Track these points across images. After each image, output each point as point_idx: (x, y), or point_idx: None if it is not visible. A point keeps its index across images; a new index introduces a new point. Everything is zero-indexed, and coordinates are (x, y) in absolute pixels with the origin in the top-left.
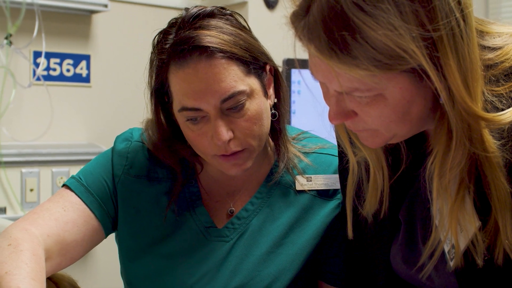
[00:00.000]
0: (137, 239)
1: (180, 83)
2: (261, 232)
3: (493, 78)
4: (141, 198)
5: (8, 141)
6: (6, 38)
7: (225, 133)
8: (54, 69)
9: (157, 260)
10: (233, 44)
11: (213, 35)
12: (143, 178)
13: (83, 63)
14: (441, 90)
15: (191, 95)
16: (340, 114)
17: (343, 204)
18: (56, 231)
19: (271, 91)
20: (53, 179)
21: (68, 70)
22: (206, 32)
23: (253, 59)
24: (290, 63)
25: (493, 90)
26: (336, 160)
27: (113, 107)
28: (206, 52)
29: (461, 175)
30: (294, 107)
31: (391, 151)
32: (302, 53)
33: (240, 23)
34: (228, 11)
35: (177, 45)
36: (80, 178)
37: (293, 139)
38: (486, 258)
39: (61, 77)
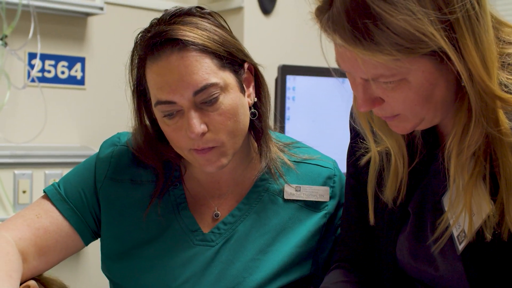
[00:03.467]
0: (121, 241)
1: (154, 77)
2: (247, 238)
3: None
4: (125, 201)
5: (1, 142)
6: (1, 39)
7: (198, 126)
8: (49, 71)
9: (140, 262)
10: (207, 38)
11: (187, 29)
12: (126, 182)
13: (78, 66)
14: (461, 71)
15: (165, 88)
16: (368, 101)
17: (343, 210)
18: (28, 236)
19: (250, 90)
20: (46, 181)
21: (62, 72)
22: (180, 26)
23: (228, 54)
24: (285, 70)
25: (509, 78)
26: (324, 171)
27: (107, 110)
28: (178, 44)
29: (477, 154)
30: (288, 113)
31: (407, 146)
32: (299, 60)
33: (219, 22)
34: (207, 11)
35: (151, 39)
36: (59, 186)
37: (286, 145)
38: (496, 232)
39: (56, 79)
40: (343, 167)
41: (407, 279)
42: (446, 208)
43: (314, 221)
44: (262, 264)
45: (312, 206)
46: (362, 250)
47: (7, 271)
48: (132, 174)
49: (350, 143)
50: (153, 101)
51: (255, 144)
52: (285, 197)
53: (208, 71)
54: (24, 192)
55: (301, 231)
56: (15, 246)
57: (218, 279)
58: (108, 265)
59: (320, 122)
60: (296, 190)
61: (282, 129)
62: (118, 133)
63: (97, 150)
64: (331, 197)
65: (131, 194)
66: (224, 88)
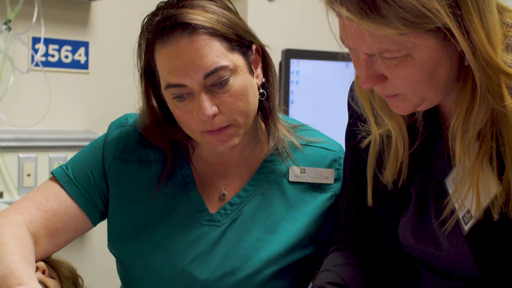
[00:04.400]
0: (129, 221)
1: (164, 60)
2: (253, 218)
3: None
4: (133, 182)
5: (5, 126)
6: (5, 23)
7: (209, 108)
8: (53, 55)
9: (148, 241)
10: (216, 22)
11: (196, 13)
12: (134, 162)
13: (82, 50)
14: (465, 48)
15: (175, 71)
16: (371, 78)
17: (341, 192)
18: (37, 218)
19: (258, 71)
20: (50, 164)
21: (66, 57)
22: (189, 10)
23: (237, 37)
24: (289, 54)
25: None
26: (330, 154)
27: (110, 94)
28: (188, 28)
29: (483, 132)
30: (292, 97)
31: (408, 128)
32: (303, 44)
33: (226, 4)
34: None
35: (160, 23)
36: (67, 168)
37: (292, 128)
38: (502, 212)
39: (60, 64)
40: None
41: (408, 261)
42: (449, 190)
43: (320, 202)
44: (268, 244)
45: (317, 188)
46: (361, 232)
47: (24, 255)
48: (140, 155)
49: (349, 125)
50: (163, 84)
51: (263, 125)
52: (290, 179)
53: (218, 54)
54: (28, 175)
55: (306, 212)
56: (26, 230)
57: (225, 259)
58: (116, 244)
59: (323, 106)
60: (301, 172)
61: (286, 113)
62: (125, 114)
63: (101, 134)
64: (336, 180)
65: (139, 174)
66: (234, 70)
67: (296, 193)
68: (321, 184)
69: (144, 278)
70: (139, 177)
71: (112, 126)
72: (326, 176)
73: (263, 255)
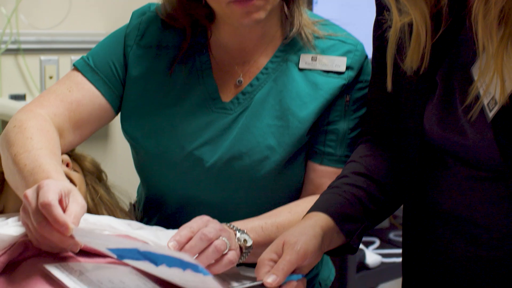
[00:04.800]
0: (142, 100)
1: None
2: (263, 105)
3: None
4: (151, 65)
5: (26, 28)
6: None
7: None
8: None
9: (160, 121)
10: None
11: None
12: (153, 47)
13: None
14: None
15: None
16: None
17: (369, 84)
18: (62, 111)
19: None
20: (72, 66)
21: None
22: None
23: None
24: None
25: None
26: (346, 46)
27: None
28: None
29: (507, 14)
30: None
31: (432, 18)
32: None
33: None
34: None
35: None
36: (88, 59)
37: (314, 23)
38: None
39: None
40: (370, 54)
41: (434, 152)
42: (475, 77)
43: (330, 89)
44: (277, 130)
45: (329, 74)
46: (388, 123)
47: (51, 149)
48: (159, 40)
49: (376, 15)
50: None
51: (284, 15)
52: (300, 66)
53: None
54: (51, 77)
55: (316, 97)
56: (51, 123)
57: (233, 144)
58: (128, 123)
59: (348, 7)
60: (312, 60)
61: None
62: (148, 3)
63: None
64: (348, 67)
65: (157, 58)
66: None
67: (307, 80)
68: (333, 71)
69: (154, 161)
70: (157, 61)
71: (135, 14)
72: (338, 64)
73: (271, 141)
